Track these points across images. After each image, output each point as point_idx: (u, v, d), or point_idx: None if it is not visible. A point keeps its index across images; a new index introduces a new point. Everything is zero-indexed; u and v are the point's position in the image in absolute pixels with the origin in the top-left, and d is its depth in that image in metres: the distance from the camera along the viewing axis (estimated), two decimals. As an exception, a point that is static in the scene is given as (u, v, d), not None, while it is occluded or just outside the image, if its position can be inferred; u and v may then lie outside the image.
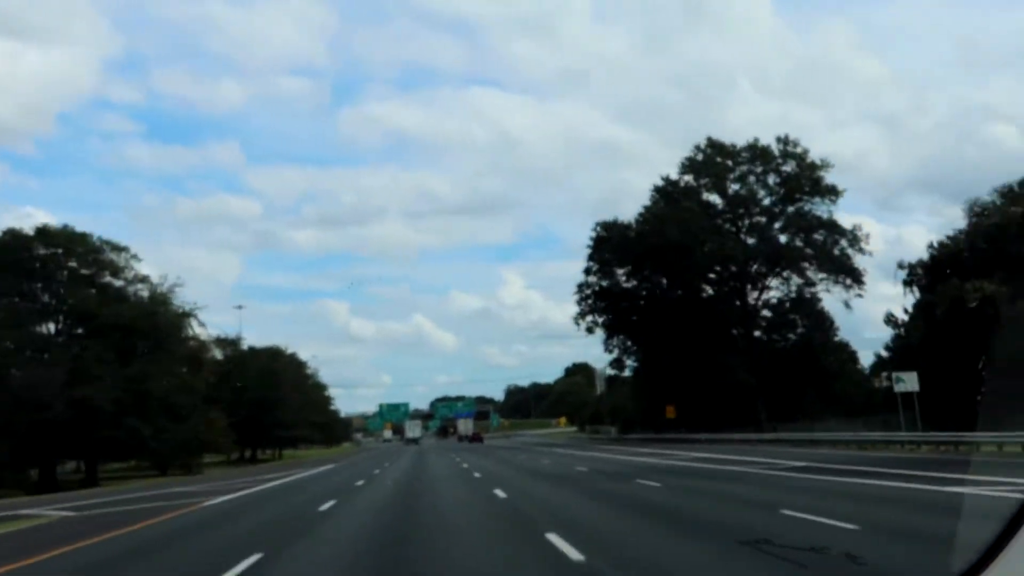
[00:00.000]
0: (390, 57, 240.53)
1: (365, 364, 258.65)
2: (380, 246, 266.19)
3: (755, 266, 58.14)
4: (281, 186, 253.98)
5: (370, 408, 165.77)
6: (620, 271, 62.79)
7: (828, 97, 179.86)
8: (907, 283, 40.14)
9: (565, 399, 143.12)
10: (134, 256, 52.12)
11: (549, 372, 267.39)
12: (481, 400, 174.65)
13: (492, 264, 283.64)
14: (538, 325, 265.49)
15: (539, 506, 16.28)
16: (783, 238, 59.07)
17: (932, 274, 38.14)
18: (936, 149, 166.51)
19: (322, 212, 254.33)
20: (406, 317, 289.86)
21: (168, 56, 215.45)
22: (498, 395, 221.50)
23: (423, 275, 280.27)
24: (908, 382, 30.03)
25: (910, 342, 38.54)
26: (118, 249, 51.69)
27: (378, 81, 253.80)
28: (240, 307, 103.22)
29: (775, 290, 61.15)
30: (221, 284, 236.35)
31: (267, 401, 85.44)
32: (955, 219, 58.19)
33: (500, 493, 19.12)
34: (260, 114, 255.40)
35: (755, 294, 60.58)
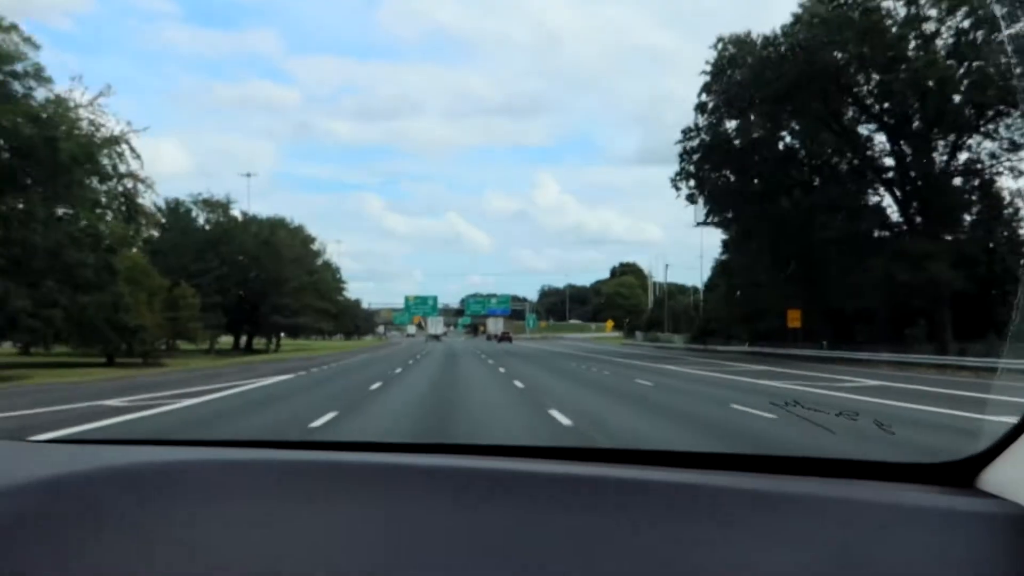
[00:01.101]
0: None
1: (398, 259, 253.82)
2: (417, 142, 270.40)
3: (961, 107, 37.81)
4: (320, 76, 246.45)
5: (400, 303, 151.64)
6: (732, 124, 43.27)
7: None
8: None
9: (615, 301, 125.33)
10: (29, 40, 33.89)
11: (583, 277, 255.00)
12: (515, 299, 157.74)
13: (528, 166, 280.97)
14: (573, 230, 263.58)
15: None
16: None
17: None
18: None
19: (360, 105, 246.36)
20: (440, 215, 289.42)
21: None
22: (531, 297, 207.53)
23: (459, 174, 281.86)
24: None
25: None
26: (3, 29, 33.49)
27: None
28: (248, 175, 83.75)
29: (967, 152, 41.12)
30: (258, 170, 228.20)
31: (260, 280, 68.50)
32: None
33: None
34: (300, 2, 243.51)
35: (943, 156, 40.55)
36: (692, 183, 43.93)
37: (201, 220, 67.13)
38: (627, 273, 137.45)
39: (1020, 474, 1.18)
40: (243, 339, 74.20)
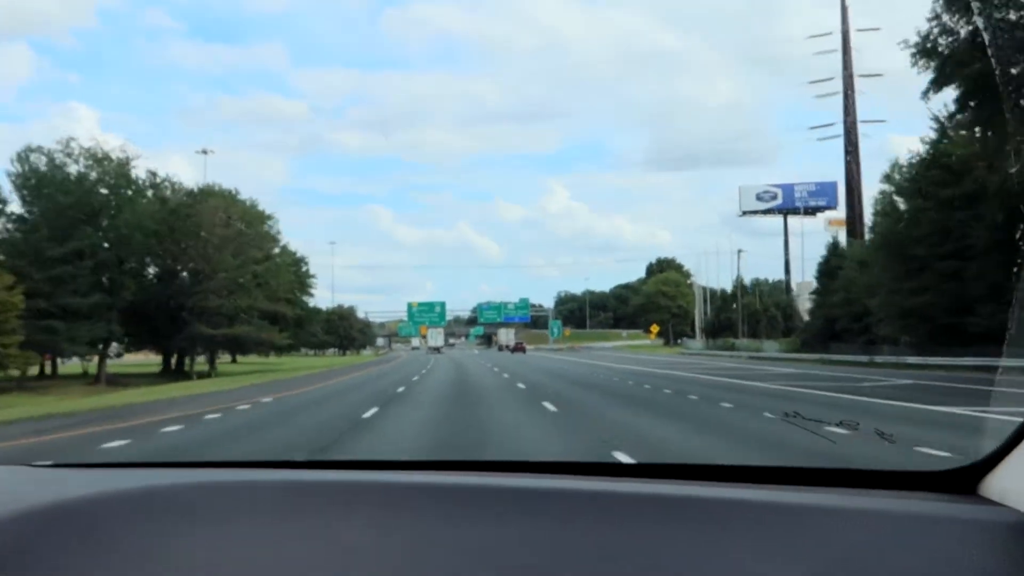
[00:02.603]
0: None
1: (409, 271, 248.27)
2: (425, 152, 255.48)
3: None
4: (327, 88, 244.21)
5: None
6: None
7: (885, 13, 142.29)
8: None
9: (657, 303, 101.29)
10: None
11: (594, 284, 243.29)
12: (533, 307, 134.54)
13: (537, 174, 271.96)
14: (584, 236, 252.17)
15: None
16: None
17: None
18: None
19: (368, 116, 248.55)
20: (450, 224, 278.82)
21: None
22: (546, 305, 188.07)
23: (468, 182, 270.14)
24: None
25: None
26: None
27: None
28: (205, 151, 59.66)
29: None
30: (268, 185, 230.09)
31: (169, 270, 45.68)
32: None
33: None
34: (305, 14, 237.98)
35: None
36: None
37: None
38: (666, 269, 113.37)
39: (1021, 481, 1.15)
40: (186, 358, 51.20)
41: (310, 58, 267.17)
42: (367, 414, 14.23)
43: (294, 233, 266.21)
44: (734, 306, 76.26)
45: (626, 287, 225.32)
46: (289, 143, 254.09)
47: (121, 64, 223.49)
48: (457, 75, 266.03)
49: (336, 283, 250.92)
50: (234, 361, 75.37)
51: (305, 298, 57.64)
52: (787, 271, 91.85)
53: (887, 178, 39.73)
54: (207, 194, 48.09)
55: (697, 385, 22.27)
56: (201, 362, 58.01)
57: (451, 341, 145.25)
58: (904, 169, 37.78)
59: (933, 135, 34.60)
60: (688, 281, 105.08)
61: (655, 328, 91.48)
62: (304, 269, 57.96)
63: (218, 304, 44.24)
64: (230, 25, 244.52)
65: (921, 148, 35.93)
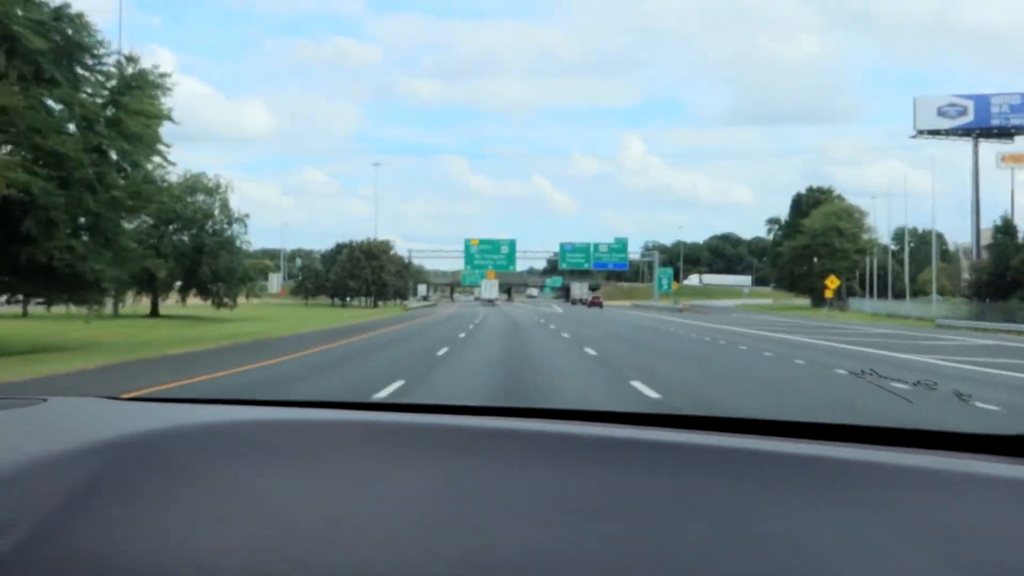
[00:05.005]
0: None
1: (482, 222, 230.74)
2: (500, 103, 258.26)
3: None
4: (401, 35, 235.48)
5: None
6: None
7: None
8: None
9: (829, 244, 66.59)
10: None
11: (679, 237, 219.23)
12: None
13: (613, 127, 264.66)
14: (659, 192, 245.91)
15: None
16: None
17: None
18: None
19: (442, 64, 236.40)
20: (525, 177, 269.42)
21: None
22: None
23: (542, 135, 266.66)
24: None
25: None
26: None
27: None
28: None
29: None
30: (340, 132, 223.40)
31: None
32: None
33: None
34: None
35: None
36: None
37: None
38: (823, 201, 78.08)
39: None
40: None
41: (385, 4, 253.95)
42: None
43: (366, 179, 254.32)
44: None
45: (724, 238, 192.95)
46: (363, 90, 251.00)
47: (200, 7, 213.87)
48: (532, 24, 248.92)
49: (409, 233, 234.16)
50: (154, 314, 45.10)
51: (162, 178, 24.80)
52: (976, 211, 64.79)
53: None
54: None
55: None
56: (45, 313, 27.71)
57: (531, 292, 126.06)
58: None
59: None
60: (868, 233, 70.87)
61: (833, 282, 57.88)
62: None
63: None
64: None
65: None
